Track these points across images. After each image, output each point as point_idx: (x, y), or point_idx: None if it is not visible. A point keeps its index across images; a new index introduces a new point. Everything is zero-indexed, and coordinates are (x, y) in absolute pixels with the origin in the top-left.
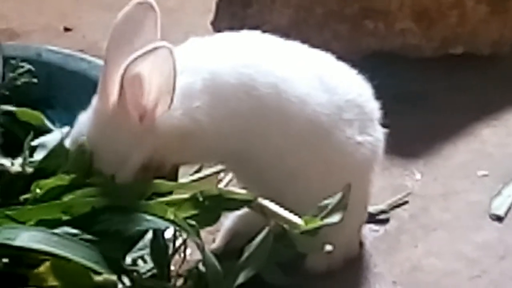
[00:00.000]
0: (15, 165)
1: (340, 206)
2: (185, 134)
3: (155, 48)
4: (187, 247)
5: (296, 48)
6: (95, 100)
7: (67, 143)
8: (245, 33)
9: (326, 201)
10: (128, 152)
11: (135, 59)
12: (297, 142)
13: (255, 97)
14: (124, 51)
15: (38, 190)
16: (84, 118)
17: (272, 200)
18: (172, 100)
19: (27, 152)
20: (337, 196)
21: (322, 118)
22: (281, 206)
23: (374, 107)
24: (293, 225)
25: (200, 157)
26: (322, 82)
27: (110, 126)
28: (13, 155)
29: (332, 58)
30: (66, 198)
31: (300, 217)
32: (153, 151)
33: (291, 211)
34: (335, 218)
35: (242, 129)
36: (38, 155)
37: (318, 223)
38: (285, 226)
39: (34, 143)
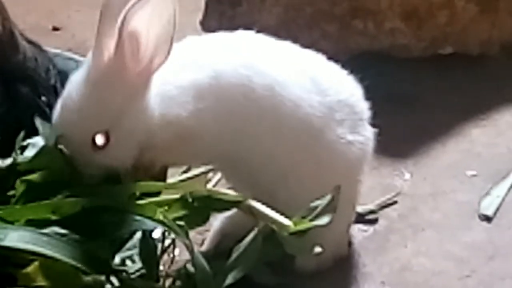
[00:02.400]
0: (4, 162)
1: (329, 208)
2: (185, 134)
3: None
4: (176, 247)
5: (290, 49)
6: (87, 59)
7: (57, 107)
8: (240, 33)
9: (315, 203)
10: (124, 108)
11: (134, 5)
12: (289, 143)
13: (252, 99)
14: (120, 4)
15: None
16: (76, 77)
17: (263, 201)
18: (170, 51)
19: (18, 150)
20: (327, 198)
21: (314, 119)
22: (273, 206)
23: (364, 107)
24: (282, 226)
25: (191, 158)
26: (315, 83)
27: (105, 81)
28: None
29: (324, 58)
30: (55, 198)
31: (289, 217)
32: (146, 150)
33: (282, 211)
34: (324, 220)
35: (236, 131)
36: (30, 153)
37: (307, 224)
38: (274, 227)
39: (25, 142)
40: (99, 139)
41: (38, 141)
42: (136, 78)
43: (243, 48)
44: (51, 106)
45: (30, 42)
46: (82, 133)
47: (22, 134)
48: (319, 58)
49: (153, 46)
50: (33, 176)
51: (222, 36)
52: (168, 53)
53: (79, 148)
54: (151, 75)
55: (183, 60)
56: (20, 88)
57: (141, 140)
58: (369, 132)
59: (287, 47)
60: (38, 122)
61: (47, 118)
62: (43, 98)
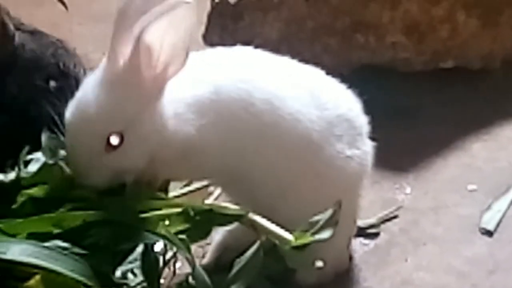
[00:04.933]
0: (8, 176)
1: (331, 222)
2: (189, 150)
3: (175, 5)
4: (177, 260)
5: (288, 64)
6: (103, 62)
7: (71, 105)
8: (237, 49)
9: (317, 217)
10: (138, 111)
11: (152, 15)
12: (289, 157)
13: (252, 113)
14: (136, 10)
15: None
16: (91, 78)
17: (264, 215)
18: (186, 60)
19: (21, 165)
20: (328, 212)
21: (314, 134)
22: (273, 220)
23: (363, 122)
24: (284, 240)
25: (194, 174)
26: (313, 98)
27: (121, 84)
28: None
29: (323, 73)
30: (57, 212)
31: (291, 231)
32: (149, 164)
33: (282, 225)
34: (325, 234)
35: (238, 146)
36: (33, 167)
37: (308, 239)
38: (275, 241)
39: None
40: (114, 139)
41: (41, 156)
42: (151, 83)
43: (241, 63)
44: (61, 88)
45: (28, 31)
46: (98, 132)
47: (25, 149)
48: (317, 73)
49: (169, 55)
50: (34, 190)
51: (220, 52)
52: (184, 61)
53: (93, 147)
54: (166, 82)
55: (184, 76)
56: (8, 79)
57: (153, 146)
58: (368, 147)
59: (285, 62)
60: (43, 136)
61: (45, 104)
62: (51, 83)
